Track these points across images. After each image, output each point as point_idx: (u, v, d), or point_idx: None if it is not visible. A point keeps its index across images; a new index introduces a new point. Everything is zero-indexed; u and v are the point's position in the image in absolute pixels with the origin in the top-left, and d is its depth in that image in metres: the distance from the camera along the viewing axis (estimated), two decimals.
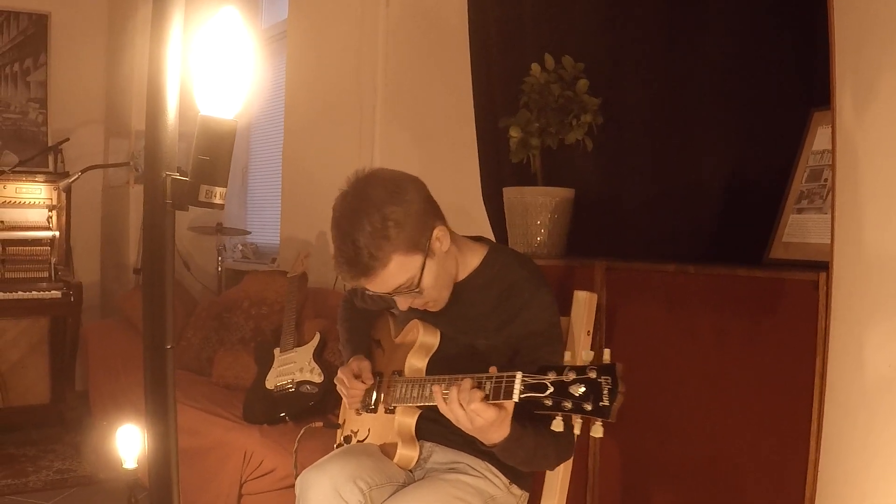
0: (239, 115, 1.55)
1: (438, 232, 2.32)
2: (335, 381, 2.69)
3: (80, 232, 6.51)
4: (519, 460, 2.28)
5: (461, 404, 2.05)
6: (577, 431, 1.88)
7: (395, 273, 2.25)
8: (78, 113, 6.88)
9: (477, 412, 2.02)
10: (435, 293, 2.39)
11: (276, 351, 4.45)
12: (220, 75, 1.53)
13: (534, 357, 2.32)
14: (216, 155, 1.48)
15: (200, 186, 1.46)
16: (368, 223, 2.20)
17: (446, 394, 2.09)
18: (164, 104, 1.47)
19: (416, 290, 2.31)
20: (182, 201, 1.48)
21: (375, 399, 2.59)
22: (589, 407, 1.82)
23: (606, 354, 1.85)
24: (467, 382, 2.05)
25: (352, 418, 2.75)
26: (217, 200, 1.48)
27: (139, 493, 3.53)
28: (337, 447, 2.73)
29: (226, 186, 1.50)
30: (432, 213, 2.33)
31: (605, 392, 1.80)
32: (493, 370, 2.05)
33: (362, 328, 2.87)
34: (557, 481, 2.58)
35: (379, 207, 2.22)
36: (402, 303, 2.39)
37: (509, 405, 2.04)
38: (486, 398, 2.03)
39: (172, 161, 1.47)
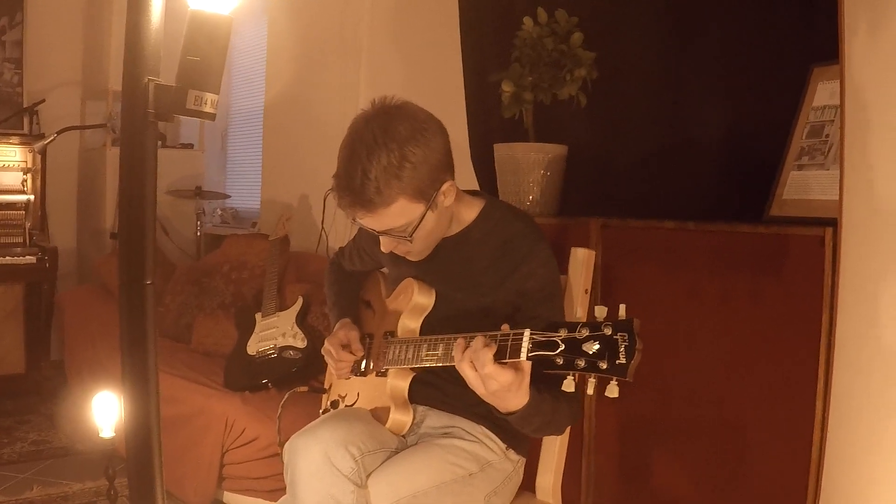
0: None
1: (447, 186, 2.23)
2: (322, 352, 2.60)
3: (55, 196, 6.42)
4: (533, 427, 2.19)
5: (473, 365, 1.95)
6: (590, 392, 1.79)
7: (394, 215, 2.16)
8: (54, 74, 6.77)
9: (491, 375, 1.92)
10: (422, 245, 2.32)
11: (258, 316, 4.38)
12: None
13: (533, 314, 2.24)
14: (208, 56, 1.32)
15: (189, 92, 1.30)
16: (386, 156, 2.09)
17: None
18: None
19: (408, 238, 2.23)
20: (167, 110, 1.33)
21: (366, 362, 2.50)
22: (604, 365, 1.73)
23: (622, 310, 1.76)
24: (479, 341, 1.95)
25: (338, 382, 2.67)
26: (208, 109, 1.33)
27: (116, 464, 3.45)
28: (322, 413, 2.65)
29: (218, 93, 1.35)
30: (447, 165, 2.24)
31: (622, 349, 1.71)
32: (505, 327, 1.95)
33: (350, 291, 2.80)
34: (555, 447, 2.51)
35: (401, 144, 2.11)
36: (386, 244, 2.30)
37: (526, 367, 1.95)
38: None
39: (156, 65, 1.31)
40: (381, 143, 2.10)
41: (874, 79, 2.08)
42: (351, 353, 2.51)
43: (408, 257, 2.38)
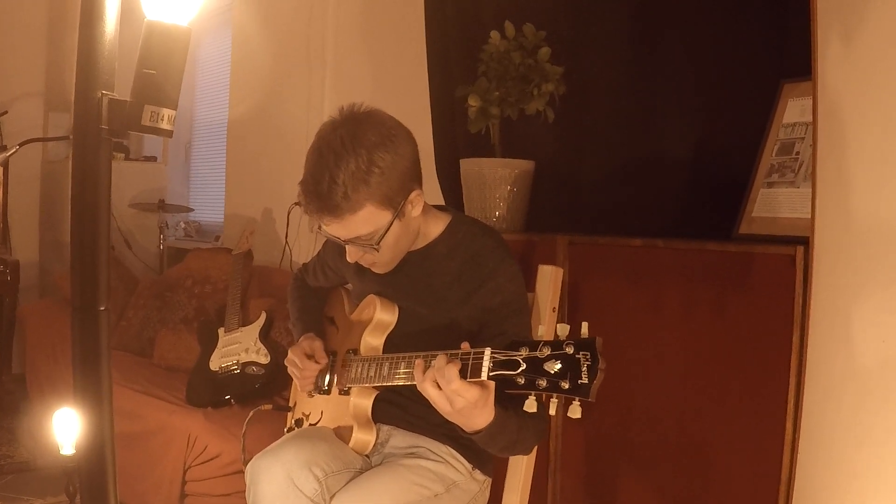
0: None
1: (414, 196, 2.21)
2: (286, 363, 2.56)
3: (17, 208, 6.36)
4: (500, 446, 2.15)
5: (436, 384, 1.91)
6: (552, 412, 1.75)
7: (361, 222, 2.13)
8: (17, 85, 6.71)
9: (458, 392, 1.88)
10: (389, 255, 2.28)
11: (221, 331, 4.33)
12: None
13: (500, 330, 2.21)
14: (165, 69, 1.25)
15: (145, 107, 1.23)
16: (354, 162, 2.07)
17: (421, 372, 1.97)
18: (101, 7, 1.25)
19: (375, 246, 2.19)
20: (121, 126, 1.25)
21: (329, 380, 2.46)
22: (566, 385, 1.69)
23: (584, 328, 1.73)
24: (442, 359, 1.92)
25: (303, 400, 2.64)
26: (164, 125, 1.27)
27: (77, 481, 3.40)
28: (287, 431, 2.61)
29: (175, 108, 1.28)
30: (415, 174, 2.22)
31: (584, 369, 1.68)
32: (465, 346, 1.92)
33: (314, 306, 2.77)
34: (521, 467, 2.47)
35: (369, 150, 2.09)
36: (352, 254, 2.27)
37: (491, 384, 1.90)
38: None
39: (110, 78, 1.25)
40: (350, 149, 2.08)
41: (848, 92, 2.06)
42: (315, 362, 2.48)
43: (373, 269, 2.35)
